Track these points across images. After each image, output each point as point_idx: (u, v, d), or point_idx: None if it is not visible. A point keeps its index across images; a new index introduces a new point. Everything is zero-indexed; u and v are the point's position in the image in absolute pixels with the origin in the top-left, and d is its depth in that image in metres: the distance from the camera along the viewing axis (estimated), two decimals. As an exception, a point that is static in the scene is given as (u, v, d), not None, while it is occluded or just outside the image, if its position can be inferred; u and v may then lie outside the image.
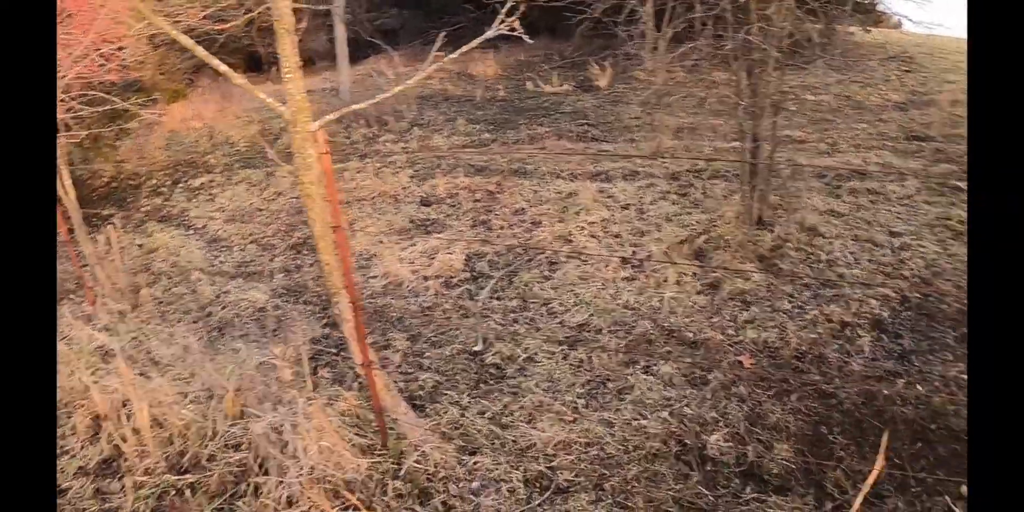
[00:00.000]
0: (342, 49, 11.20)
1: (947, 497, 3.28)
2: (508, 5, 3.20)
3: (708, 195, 5.90)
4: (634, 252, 5.16)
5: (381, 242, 6.20)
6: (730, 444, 3.52)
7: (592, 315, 4.64)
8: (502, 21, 3.22)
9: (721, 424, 3.67)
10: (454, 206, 6.50)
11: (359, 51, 13.55)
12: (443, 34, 4.05)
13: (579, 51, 11.38)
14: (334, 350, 4.64)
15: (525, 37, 3.34)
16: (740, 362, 4.10)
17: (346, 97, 10.97)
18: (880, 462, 3.17)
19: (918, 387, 4.15)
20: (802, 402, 3.84)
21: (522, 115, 9.17)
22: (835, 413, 3.80)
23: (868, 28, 13.53)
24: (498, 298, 5.07)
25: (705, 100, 6.11)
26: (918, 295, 4.84)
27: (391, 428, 3.56)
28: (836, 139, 7.45)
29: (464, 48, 3.31)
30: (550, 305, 4.86)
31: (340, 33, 11.13)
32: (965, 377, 4.30)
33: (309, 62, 15.08)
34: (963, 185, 6.69)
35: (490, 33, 3.25)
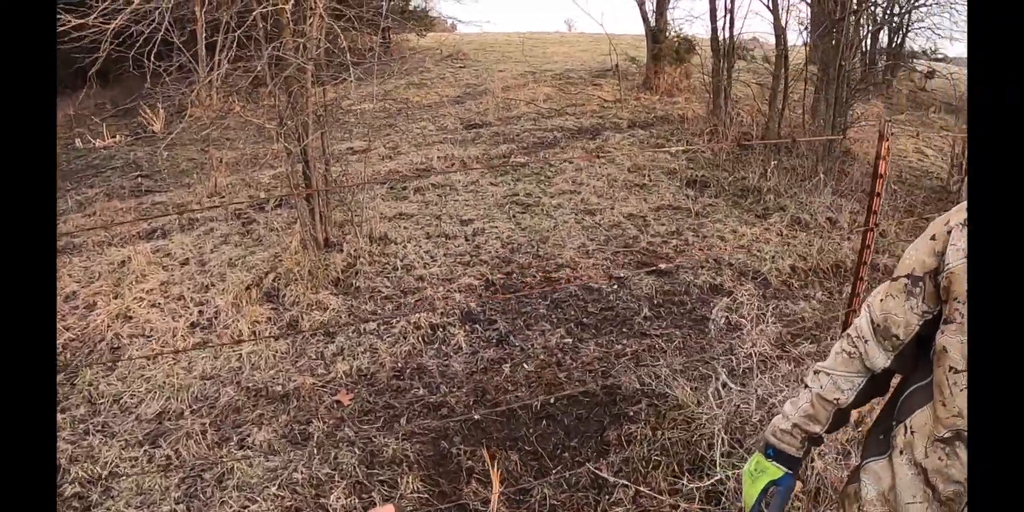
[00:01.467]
0: None
1: (588, 465, 3.24)
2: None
3: (271, 228, 5.42)
4: (200, 311, 4.49)
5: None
6: (352, 498, 3.14)
7: (169, 398, 3.90)
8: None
9: (337, 478, 3.26)
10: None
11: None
12: None
13: (132, 96, 10.21)
14: None
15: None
16: (338, 401, 3.73)
17: None
18: (495, 479, 3.02)
19: (525, 366, 4.15)
20: (413, 423, 3.59)
21: (70, 179, 7.87)
22: (450, 423, 3.61)
23: (423, 33, 14.37)
24: (62, 410, 4.09)
25: (263, 126, 5.64)
26: (501, 275, 4.91)
27: None
28: (397, 142, 7.49)
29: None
30: (121, 400, 4.00)
31: None
32: (568, 341, 4.41)
33: None
34: (523, 160, 7.12)
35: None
